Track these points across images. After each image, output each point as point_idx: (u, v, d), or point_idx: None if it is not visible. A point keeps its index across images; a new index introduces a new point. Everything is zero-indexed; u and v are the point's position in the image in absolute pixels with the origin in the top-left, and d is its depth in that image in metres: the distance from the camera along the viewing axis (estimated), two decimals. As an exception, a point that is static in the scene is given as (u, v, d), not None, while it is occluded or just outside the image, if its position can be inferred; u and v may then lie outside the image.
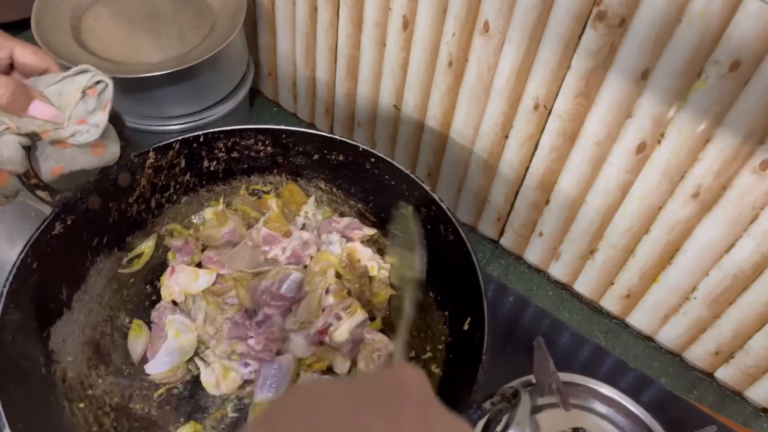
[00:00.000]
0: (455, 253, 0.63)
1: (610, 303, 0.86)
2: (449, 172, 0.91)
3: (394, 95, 0.88)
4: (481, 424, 0.64)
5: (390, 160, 0.67)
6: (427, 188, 0.65)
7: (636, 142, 0.70)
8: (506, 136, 0.81)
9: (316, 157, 0.71)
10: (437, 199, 0.64)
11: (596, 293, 0.87)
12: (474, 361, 0.56)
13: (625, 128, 0.70)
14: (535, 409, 0.71)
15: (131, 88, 0.83)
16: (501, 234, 0.93)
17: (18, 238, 0.67)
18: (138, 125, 0.86)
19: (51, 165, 0.55)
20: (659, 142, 0.68)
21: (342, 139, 0.68)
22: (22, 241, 0.58)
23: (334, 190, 0.76)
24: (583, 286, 0.88)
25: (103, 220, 0.65)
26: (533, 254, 0.91)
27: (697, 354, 0.82)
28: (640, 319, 0.85)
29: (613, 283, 0.84)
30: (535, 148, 0.79)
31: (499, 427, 0.67)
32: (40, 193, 0.55)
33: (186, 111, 0.88)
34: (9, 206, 0.70)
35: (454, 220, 0.63)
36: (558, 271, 0.90)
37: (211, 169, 0.72)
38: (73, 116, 0.53)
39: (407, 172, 0.66)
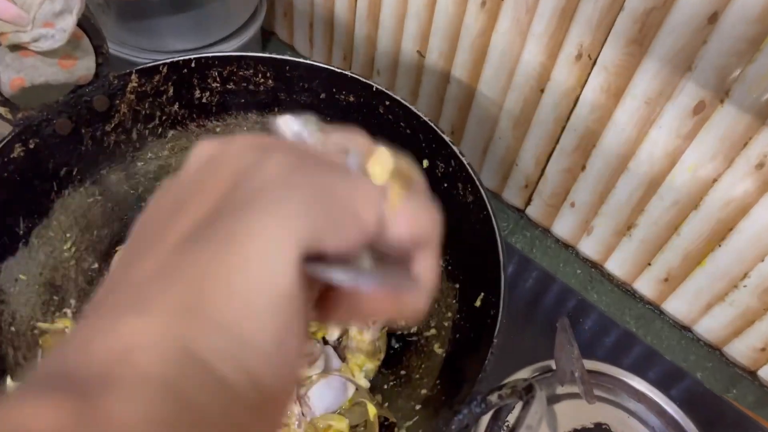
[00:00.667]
0: (474, 216, 0.55)
1: (645, 286, 0.77)
2: (474, 130, 0.82)
3: (418, 39, 0.79)
4: (485, 420, 0.56)
5: (407, 103, 0.58)
6: (447, 139, 0.56)
7: (693, 102, 0.60)
8: (542, 91, 0.71)
9: (323, 96, 0.62)
10: (458, 152, 0.55)
11: (630, 274, 0.78)
12: (483, 345, 0.48)
13: (682, 84, 0.60)
14: (553, 399, 0.63)
15: (128, 15, 0.75)
16: (528, 203, 0.83)
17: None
18: (135, 58, 0.78)
19: (10, 75, 0.48)
20: (721, 101, 0.58)
21: (353, 75, 0.59)
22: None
23: (341, 136, 0.67)
24: (615, 265, 0.79)
25: (74, 148, 0.57)
26: (562, 227, 0.82)
27: (740, 349, 0.73)
28: (678, 306, 0.75)
29: (650, 264, 0.75)
30: (574, 106, 0.69)
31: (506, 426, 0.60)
32: (-1, 108, 0.48)
33: (189, 46, 0.80)
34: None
35: (475, 177, 0.54)
36: (589, 247, 0.80)
37: (204, 101, 0.63)
38: (37, 18, 0.46)
39: (425, 119, 0.57)
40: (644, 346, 0.72)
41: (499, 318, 0.48)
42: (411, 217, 0.24)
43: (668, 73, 0.60)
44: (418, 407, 0.52)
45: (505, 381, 0.45)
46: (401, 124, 0.59)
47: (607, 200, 0.73)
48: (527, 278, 0.77)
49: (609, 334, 0.72)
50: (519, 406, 0.62)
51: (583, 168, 0.74)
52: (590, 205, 0.76)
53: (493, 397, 0.44)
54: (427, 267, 0.25)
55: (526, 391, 0.40)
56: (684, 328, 0.76)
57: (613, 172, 0.71)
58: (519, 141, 0.78)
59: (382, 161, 0.25)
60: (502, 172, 0.83)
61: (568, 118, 0.71)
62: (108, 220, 0.64)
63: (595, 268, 0.81)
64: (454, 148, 0.56)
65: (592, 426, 0.62)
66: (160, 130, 0.63)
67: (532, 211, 0.84)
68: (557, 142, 0.74)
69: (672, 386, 0.68)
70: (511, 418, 0.62)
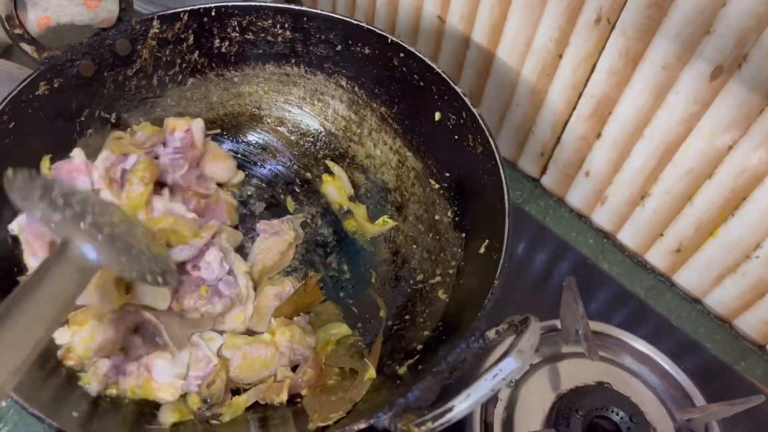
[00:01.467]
0: (482, 167, 0.55)
1: (657, 257, 0.77)
2: (492, 96, 0.82)
3: (439, 3, 0.80)
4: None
5: (421, 55, 0.59)
6: (459, 90, 0.57)
7: (711, 67, 0.60)
8: (560, 56, 0.71)
9: (339, 48, 0.63)
10: (469, 104, 0.56)
11: (642, 245, 0.78)
12: (485, 286, 0.49)
13: (701, 48, 0.60)
14: (557, 357, 0.64)
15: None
16: (543, 172, 0.84)
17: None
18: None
19: (38, 13, 0.50)
20: (739, 66, 0.58)
21: (369, 27, 0.60)
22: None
23: (356, 89, 0.68)
24: (628, 236, 0.79)
25: (96, 91, 0.59)
26: (576, 196, 0.82)
27: (750, 322, 0.72)
28: (689, 277, 0.75)
29: (662, 235, 0.75)
30: (592, 71, 0.70)
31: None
32: (25, 46, 0.50)
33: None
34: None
35: (485, 128, 0.55)
36: (602, 217, 0.80)
37: (223, 50, 0.65)
38: None
39: (439, 70, 0.58)
40: (655, 314, 0.72)
41: (502, 260, 0.49)
42: None
43: (687, 37, 0.60)
44: (419, 347, 0.53)
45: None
46: (415, 76, 0.60)
47: (623, 168, 0.73)
48: (541, 246, 0.78)
49: (620, 302, 0.72)
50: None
51: (599, 135, 0.74)
52: (605, 174, 0.76)
53: (491, 333, 0.45)
54: None
55: (522, 323, 0.41)
56: (694, 300, 0.76)
57: (629, 139, 0.71)
58: (536, 108, 0.78)
59: None
60: (518, 140, 0.84)
61: (586, 84, 0.71)
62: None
63: (607, 238, 0.81)
64: (466, 99, 0.57)
65: (594, 384, 0.62)
66: (180, 77, 0.65)
67: (547, 180, 0.84)
68: (574, 108, 0.74)
69: (681, 354, 0.68)
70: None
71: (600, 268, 0.76)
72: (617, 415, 0.59)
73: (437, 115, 0.59)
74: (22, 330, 0.39)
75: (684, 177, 0.69)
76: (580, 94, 0.73)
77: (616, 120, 0.71)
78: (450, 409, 0.38)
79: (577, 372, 0.63)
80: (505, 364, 0.38)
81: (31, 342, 0.39)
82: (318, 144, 0.74)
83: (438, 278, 0.59)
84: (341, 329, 0.61)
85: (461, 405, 0.38)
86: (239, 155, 0.73)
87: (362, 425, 0.44)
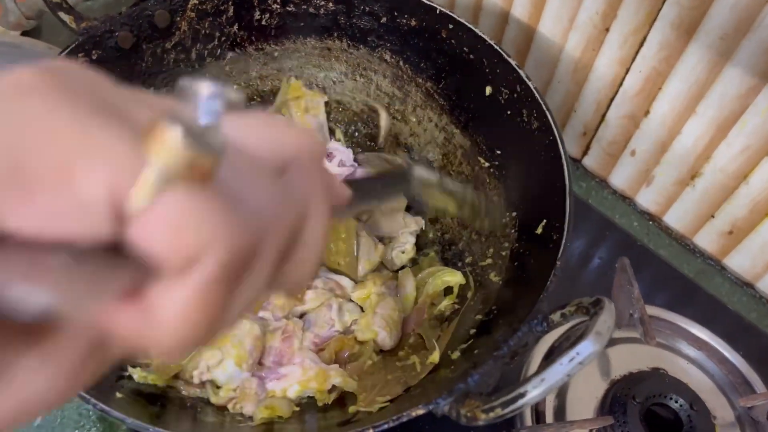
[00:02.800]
0: (538, 143, 0.53)
1: (706, 240, 0.74)
2: (532, 75, 0.77)
3: (478, -22, 0.77)
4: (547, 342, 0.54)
5: (471, 26, 0.56)
6: (513, 63, 0.54)
7: (772, 36, 0.57)
8: (607, 29, 0.68)
9: (384, 20, 0.61)
10: (524, 76, 0.53)
11: (691, 227, 0.75)
12: (544, 269, 0.47)
13: (761, 17, 0.56)
14: (608, 343, 0.61)
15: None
16: (585, 152, 0.81)
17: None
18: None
19: None
20: (805, 35, 0.55)
21: (417, -3, 0.58)
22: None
23: (401, 63, 0.65)
24: (675, 218, 0.76)
25: (135, 64, 0.57)
26: (620, 177, 0.79)
27: (807, 308, 0.69)
28: (741, 261, 0.72)
29: (713, 216, 0.72)
30: (641, 45, 0.67)
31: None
32: (63, 16, 0.48)
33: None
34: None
35: (541, 101, 0.52)
36: (647, 198, 0.78)
37: (263, 23, 0.62)
38: None
39: (491, 42, 0.55)
40: (707, 296, 0.69)
41: (563, 241, 0.46)
42: (162, 225, 0.16)
43: (747, 4, 0.57)
44: (472, 332, 0.51)
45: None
46: (464, 49, 0.58)
47: (671, 146, 0.71)
48: (584, 224, 0.75)
49: (669, 283, 0.69)
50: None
51: (647, 113, 0.71)
52: (652, 153, 0.73)
53: (556, 316, 0.43)
54: (174, 303, 0.17)
55: (594, 305, 0.39)
56: (746, 285, 0.73)
57: (679, 116, 0.68)
58: (579, 85, 0.75)
59: (166, 141, 0.16)
60: (559, 120, 0.81)
61: (634, 59, 0.68)
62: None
63: (653, 221, 0.78)
64: (521, 72, 0.54)
65: (649, 370, 0.59)
66: (218, 51, 0.63)
67: (589, 161, 0.81)
68: (620, 85, 0.71)
69: (736, 338, 0.65)
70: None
71: (646, 247, 0.74)
72: (676, 402, 0.56)
73: (488, 90, 0.57)
74: None
75: (739, 155, 0.66)
76: (628, 70, 0.70)
77: (666, 96, 0.68)
78: (522, 395, 0.36)
79: (630, 358, 0.61)
80: (583, 347, 0.35)
81: None
82: (360, 122, 0.71)
83: (489, 260, 0.56)
84: (455, 277, 0.58)
85: (534, 391, 0.36)
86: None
87: (420, 411, 0.42)
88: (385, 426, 0.41)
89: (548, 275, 0.45)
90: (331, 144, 0.68)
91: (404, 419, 0.41)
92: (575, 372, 0.35)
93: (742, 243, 0.71)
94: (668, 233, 0.77)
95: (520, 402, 0.36)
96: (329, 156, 0.64)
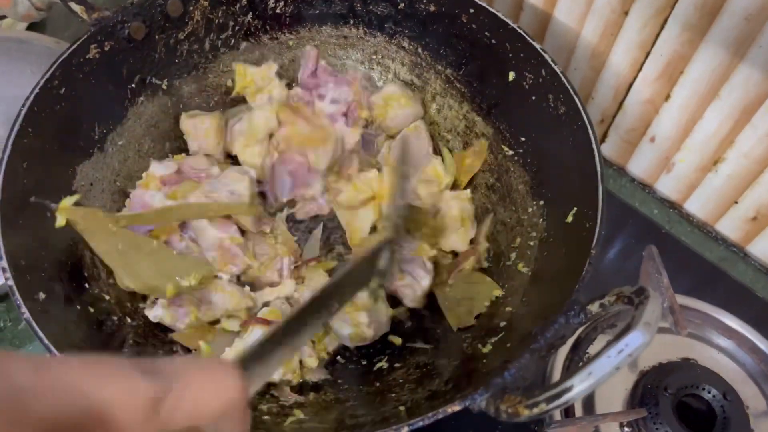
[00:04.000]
0: (565, 129, 0.51)
1: (729, 227, 0.73)
2: (548, 61, 0.78)
3: (491, -37, 0.75)
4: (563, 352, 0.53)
5: (493, 10, 0.54)
6: (537, 47, 0.52)
7: (801, 16, 0.55)
8: (626, 13, 0.67)
9: (401, 6, 0.59)
10: (549, 60, 0.52)
11: (713, 214, 0.74)
12: (578, 258, 0.45)
13: (790, -5, 0.55)
14: (636, 333, 0.60)
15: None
16: (603, 139, 0.79)
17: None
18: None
19: None
20: (835, 14, 0.53)
21: (436, -19, 0.56)
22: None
23: (420, 50, 0.63)
24: (697, 205, 0.74)
25: (147, 55, 0.56)
26: (639, 165, 0.77)
27: (834, 294, 0.68)
28: (765, 247, 0.71)
29: (737, 202, 0.70)
30: (662, 28, 0.65)
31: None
32: (74, 6, 0.47)
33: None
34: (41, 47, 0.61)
35: (569, 86, 0.50)
36: (668, 186, 0.76)
37: (278, 11, 0.61)
38: None
39: (514, 26, 0.53)
40: (733, 283, 0.67)
41: (597, 229, 0.45)
42: None
43: (775, -16, 0.55)
44: (503, 324, 0.49)
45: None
46: (486, 33, 0.56)
47: (693, 132, 0.69)
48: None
49: (693, 269, 0.68)
50: (600, 338, 0.59)
51: (668, 98, 0.69)
52: (672, 140, 0.72)
53: (594, 307, 0.41)
54: None
55: (637, 294, 0.37)
56: (770, 271, 0.72)
57: (702, 100, 0.66)
58: (596, 71, 0.74)
59: None
60: (575, 107, 0.79)
61: (654, 43, 0.67)
62: (179, 132, 0.62)
63: (673, 208, 0.77)
64: (546, 56, 0.52)
65: (679, 360, 0.58)
66: (232, 41, 0.61)
67: (606, 149, 0.80)
68: (640, 70, 0.70)
69: (766, 326, 0.64)
70: (592, 350, 0.59)
71: (668, 233, 0.72)
72: (708, 393, 0.55)
73: (511, 75, 0.55)
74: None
75: (764, 139, 0.64)
76: (648, 54, 0.68)
77: (687, 80, 0.66)
78: (568, 389, 0.34)
79: (659, 348, 0.59)
80: (632, 339, 0.34)
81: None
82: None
83: (516, 251, 0.55)
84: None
85: (581, 385, 0.34)
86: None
87: (456, 407, 0.40)
88: (421, 423, 0.39)
89: (583, 264, 0.44)
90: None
91: (440, 416, 0.40)
92: (624, 365, 0.34)
93: (766, 229, 0.69)
94: (689, 221, 0.76)
95: (566, 397, 0.34)
96: (321, 97, 0.62)
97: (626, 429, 0.55)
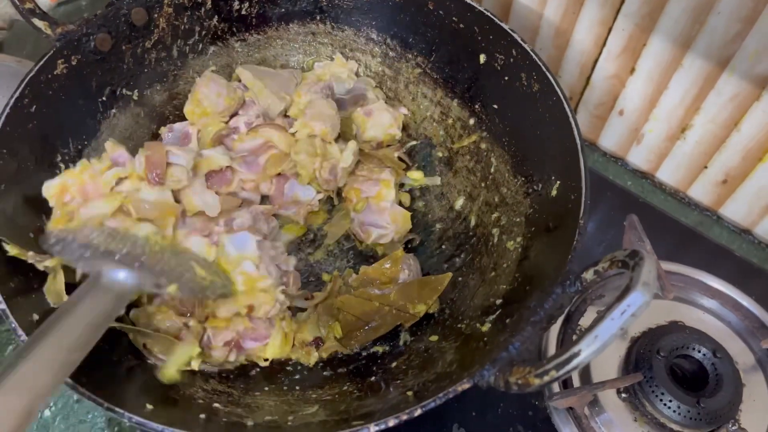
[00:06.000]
0: (541, 105, 0.52)
1: (701, 191, 0.75)
2: (513, 44, 0.79)
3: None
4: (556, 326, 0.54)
5: (459, -5, 0.55)
6: (506, 27, 0.53)
7: (755, -20, 0.57)
8: (587, -9, 0.68)
9: (366, -3, 0.59)
10: (519, 39, 0.52)
11: (684, 181, 0.76)
12: (567, 228, 0.46)
13: (744, -40, 0.57)
14: (624, 301, 0.61)
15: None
16: (572, 117, 0.81)
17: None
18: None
19: None
20: (788, -25, 0.55)
21: (398, -29, 0.56)
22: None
23: (389, 41, 0.64)
24: (668, 173, 0.76)
25: (116, 66, 0.55)
26: (610, 139, 0.79)
27: (805, 247, 0.70)
28: (736, 209, 0.73)
29: (706, 167, 0.72)
30: (622, 3, 0.66)
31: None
32: (37, 22, 0.46)
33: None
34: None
35: (540, 63, 0.51)
36: (638, 157, 0.78)
37: (243, 12, 0.60)
38: None
39: (481, 8, 0.54)
40: (711, 244, 0.69)
41: (583, 199, 0.46)
42: None
43: (728, -49, 0.57)
44: (498, 302, 0.50)
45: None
46: (453, 18, 0.56)
47: (660, 101, 0.71)
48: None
49: (670, 233, 0.69)
50: (591, 310, 0.60)
51: (632, 71, 0.71)
52: (641, 110, 0.73)
53: (588, 274, 0.42)
54: None
55: (631, 257, 0.38)
56: (744, 232, 0.74)
57: (668, 68, 0.68)
58: (561, 50, 0.75)
59: None
60: (543, 88, 0.80)
61: (615, 17, 0.68)
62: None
63: (645, 178, 0.79)
64: (515, 36, 0.53)
65: (667, 323, 0.60)
66: (200, 46, 0.60)
67: (576, 126, 0.81)
68: (603, 45, 0.71)
69: (746, 284, 0.65)
70: (583, 322, 0.60)
71: (643, 202, 0.74)
72: (699, 352, 0.56)
73: (482, 58, 0.56)
74: (55, 354, 0.39)
75: (729, 103, 0.66)
76: (610, 30, 0.70)
77: (650, 52, 0.68)
78: (576, 354, 0.35)
79: (647, 313, 0.59)
80: (633, 299, 0.35)
81: (66, 366, 0.40)
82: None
83: (496, 229, 0.55)
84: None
85: (589, 348, 0.35)
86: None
87: (466, 385, 0.40)
88: (433, 404, 0.40)
89: (573, 235, 0.45)
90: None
91: (451, 395, 0.40)
92: (628, 325, 0.35)
93: (736, 191, 0.71)
94: (662, 189, 0.78)
95: (575, 361, 0.35)
96: (243, 106, 0.62)
97: (623, 395, 0.56)
